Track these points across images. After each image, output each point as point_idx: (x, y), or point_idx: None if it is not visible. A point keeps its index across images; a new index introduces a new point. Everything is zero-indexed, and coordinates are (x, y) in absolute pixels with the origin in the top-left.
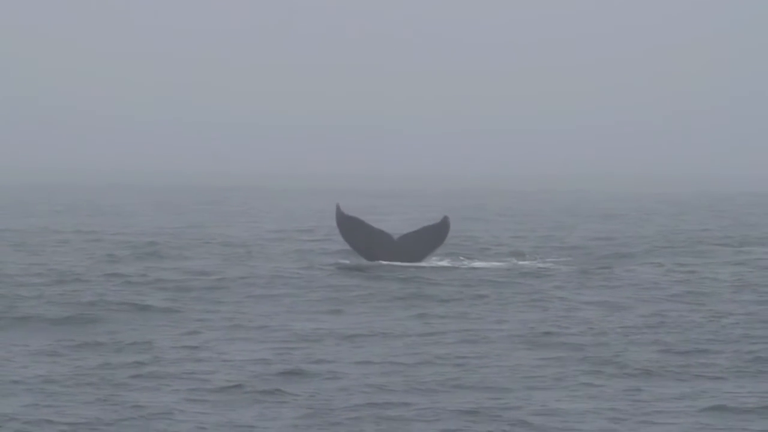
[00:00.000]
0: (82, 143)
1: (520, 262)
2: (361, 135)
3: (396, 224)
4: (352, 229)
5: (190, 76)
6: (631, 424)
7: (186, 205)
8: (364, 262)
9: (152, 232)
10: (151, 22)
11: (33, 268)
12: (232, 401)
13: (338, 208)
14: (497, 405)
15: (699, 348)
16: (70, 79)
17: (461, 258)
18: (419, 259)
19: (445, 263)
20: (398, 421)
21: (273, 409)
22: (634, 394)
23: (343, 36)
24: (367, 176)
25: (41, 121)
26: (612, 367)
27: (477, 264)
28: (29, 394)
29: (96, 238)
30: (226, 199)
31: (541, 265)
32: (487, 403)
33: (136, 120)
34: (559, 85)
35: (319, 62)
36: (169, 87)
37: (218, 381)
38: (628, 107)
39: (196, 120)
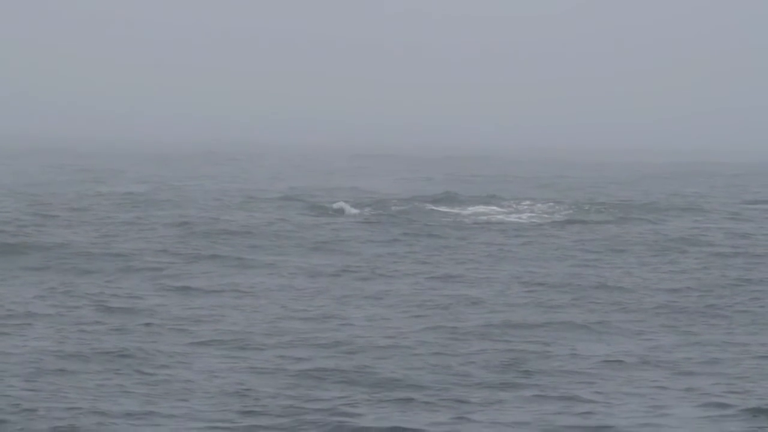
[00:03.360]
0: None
1: (514, 210)
2: None
3: (386, 181)
4: None
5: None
6: (676, 364)
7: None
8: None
9: (144, 186)
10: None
11: (28, 209)
12: (248, 344)
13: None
14: (533, 349)
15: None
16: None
17: (458, 206)
18: None
19: (443, 208)
20: (425, 369)
21: (295, 351)
22: (670, 335)
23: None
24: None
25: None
26: (633, 308)
27: (473, 209)
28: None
29: (89, 191)
30: (219, 161)
31: (536, 213)
32: (521, 347)
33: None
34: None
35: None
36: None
37: (236, 326)
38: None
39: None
